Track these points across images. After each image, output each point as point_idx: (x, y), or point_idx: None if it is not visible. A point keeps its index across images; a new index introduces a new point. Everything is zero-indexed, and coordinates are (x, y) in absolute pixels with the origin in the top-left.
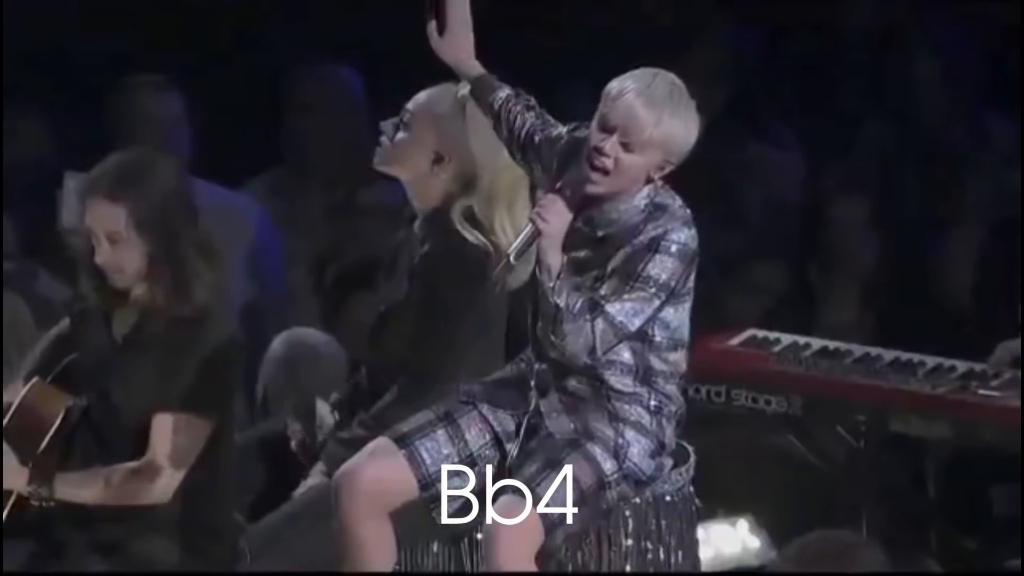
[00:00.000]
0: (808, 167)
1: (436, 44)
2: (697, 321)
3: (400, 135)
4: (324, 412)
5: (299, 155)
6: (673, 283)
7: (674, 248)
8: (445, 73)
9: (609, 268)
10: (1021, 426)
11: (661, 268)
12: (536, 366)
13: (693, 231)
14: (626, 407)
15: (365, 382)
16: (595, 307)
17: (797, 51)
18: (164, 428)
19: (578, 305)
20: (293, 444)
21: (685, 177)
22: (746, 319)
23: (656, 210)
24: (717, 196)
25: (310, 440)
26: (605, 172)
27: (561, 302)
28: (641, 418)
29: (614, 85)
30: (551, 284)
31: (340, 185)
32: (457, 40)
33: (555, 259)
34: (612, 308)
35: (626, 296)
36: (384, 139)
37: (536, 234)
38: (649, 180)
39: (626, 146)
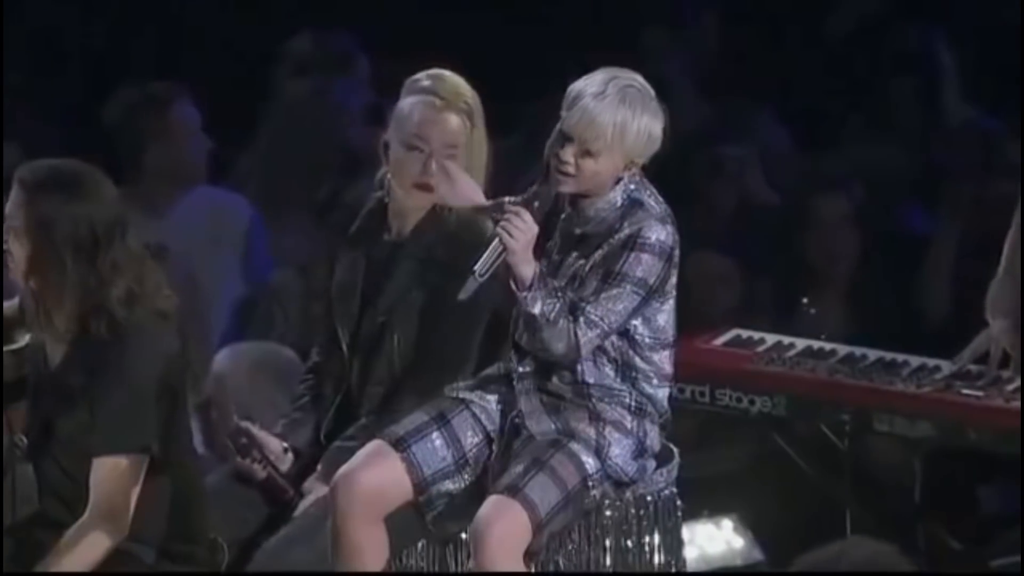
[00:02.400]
0: (796, 165)
1: (445, 193)
2: (680, 320)
3: (448, 164)
4: (268, 439)
5: (282, 154)
6: (651, 280)
7: (650, 245)
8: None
9: (587, 267)
10: (1021, 427)
11: (637, 265)
12: (518, 368)
13: (670, 228)
14: (607, 407)
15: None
16: (574, 308)
17: (783, 48)
18: (97, 474)
19: (555, 311)
20: (259, 478)
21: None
22: (729, 318)
23: (632, 206)
24: (700, 194)
25: (272, 470)
26: (569, 175)
27: (536, 311)
28: (623, 418)
29: (572, 89)
30: (524, 295)
31: (325, 184)
32: (463, 188)
33: (526, 271)
34: (591, 308)
35: (604, 295)
36: (444, 174)
37: (502, 249)
38: (624, 174)
39: (586, 153)
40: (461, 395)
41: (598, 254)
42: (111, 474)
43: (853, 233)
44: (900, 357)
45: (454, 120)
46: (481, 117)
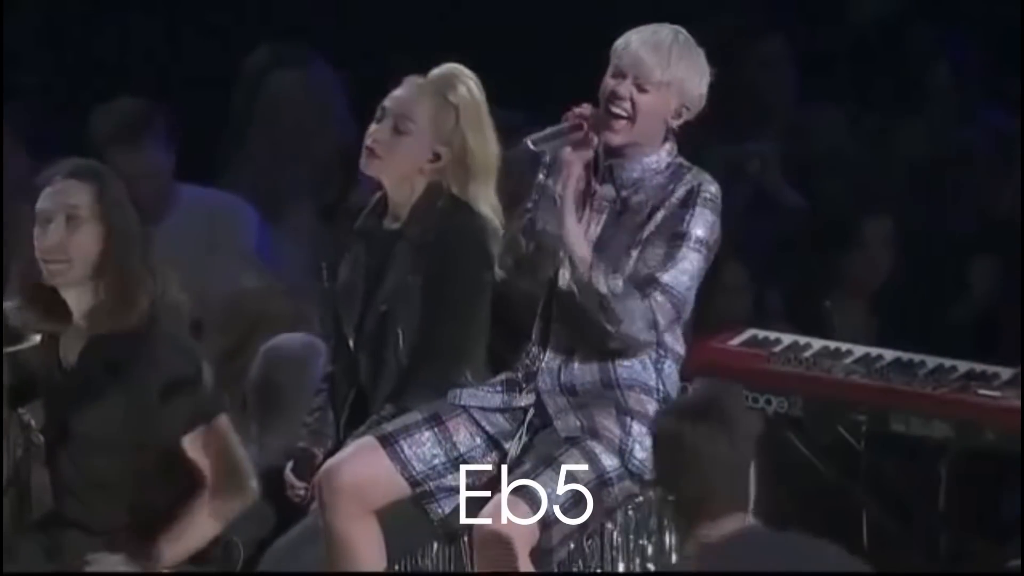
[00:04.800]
0: (815, 167)
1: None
2: (696, 321)
3: (394, 137)
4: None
5: (282, 156)
6: (712, 240)
7: (710, 200)
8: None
9: (646, 233)
10: (1021, 426)
11: (703, 222)
12: (542, 366)
13: (718, 186)
14: (638, 395)
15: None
16: (649, 281)
17: (812, 49)
18: (196, 446)
19: (620, 285)
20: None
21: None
22: (745, 319)
23: (680, 168)
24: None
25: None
26: (625, 117)
27: (604, 289)
28: (649, 411)
29: (621, 39)
30: (587, 275)
31: (331, 186)
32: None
33: (582, 249)
34: (665, 276)
35: (677, 257)
36: (374, 144)
37: (566, 132)
38: (669, 133)
39: (640, 87)
40: (460, 401)
41: (657, 218)
42: (211, 439)
43: (892, 251)
44: (917, 357)
45: (418, 96)
46: (476, 116)
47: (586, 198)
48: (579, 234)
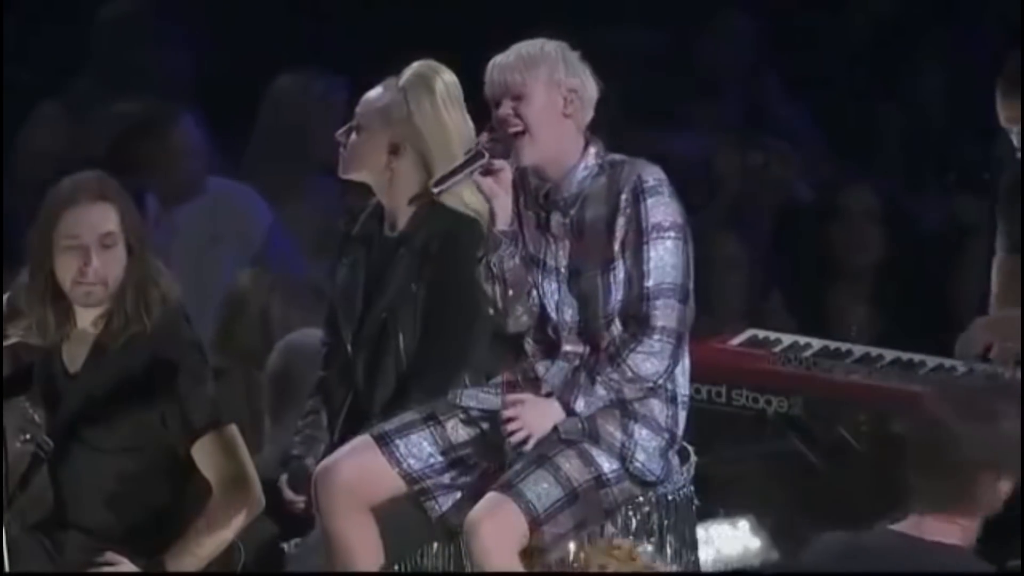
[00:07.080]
0: (816, 161)
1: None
2: (697, 320)
3: (353, 138)
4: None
5: (272, 149)
6: (677, 219)
7: (655, 186)
8: None
9: (616, 247)
10: (1022, 427)
11: (658, 209)
12: (542, 372)
13: (659, 167)
14: (640, 399)
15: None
16: (640, 298)
17: (805, 41)
18: (204, 453)
19: (607, 374)
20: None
21: (686, 170)
22: (745, 317)
23: (614, 166)
24: (720, 191)
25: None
26: (521, 131)
27: (602, 395)
28: (655, 412)
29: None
30: (581, 411)
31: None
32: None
33: (556, 413)
34: (649, 281)
35: (650, 255)
36: (343, 148)
37: (466, 165)
38: (588, 138)
39: (515, 98)
40: (459, 401)
41: (620, 228)
42: (221, 447)
43: (876, 228)
44: (917, 357)
45: (378, 94)
46: (428, 98)
47: (543, 230)
48: (536, 404)
